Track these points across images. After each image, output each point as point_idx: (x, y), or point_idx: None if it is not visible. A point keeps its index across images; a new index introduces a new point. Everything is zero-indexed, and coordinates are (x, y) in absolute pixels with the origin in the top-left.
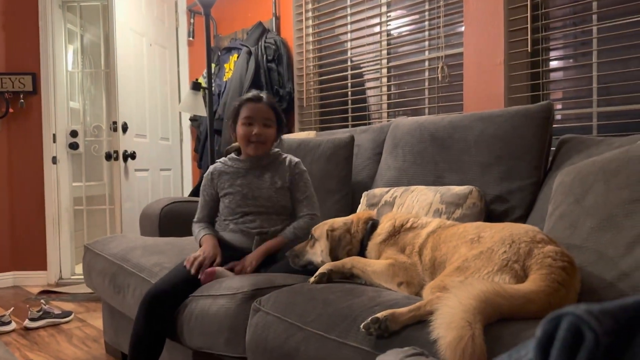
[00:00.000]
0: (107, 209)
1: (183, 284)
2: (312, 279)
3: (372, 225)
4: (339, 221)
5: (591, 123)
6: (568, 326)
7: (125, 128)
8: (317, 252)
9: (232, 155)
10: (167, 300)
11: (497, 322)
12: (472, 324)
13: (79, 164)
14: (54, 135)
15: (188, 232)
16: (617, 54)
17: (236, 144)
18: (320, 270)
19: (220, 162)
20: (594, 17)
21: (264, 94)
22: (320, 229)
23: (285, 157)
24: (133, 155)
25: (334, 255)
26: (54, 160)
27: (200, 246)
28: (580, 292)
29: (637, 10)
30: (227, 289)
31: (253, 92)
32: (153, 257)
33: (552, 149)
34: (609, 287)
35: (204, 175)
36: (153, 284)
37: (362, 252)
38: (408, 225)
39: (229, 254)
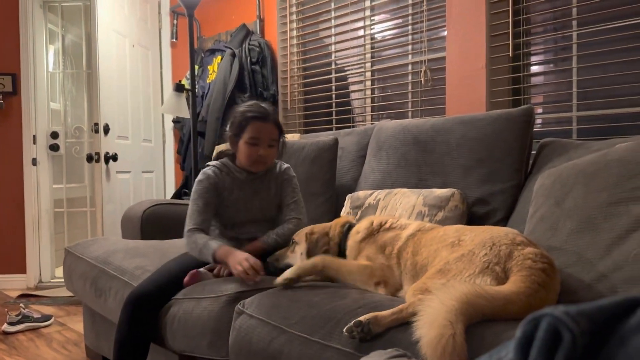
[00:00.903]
0: (88, 212)
1: (166, 286)
2: (278, 280)
3: (348, 227)
4: (319, 226)
5: (571, 127)
6: (547, 327)
7: (107, 130)
8: (297, 255)
9: (227, 161)
10: (151, 302)
11: (479, 323)
12: (453, 323)
13: (60, 165)
14: (34, 136)
15: (171, 235)
16: (597, 59)
17: (229, 149)
18: (286, 275)
19: (215, 166)
20: (574, 22)
21: (269, 108)
22: (301, 234)
23: (277, 163)
24: (115, 157)
25: (311, 252)
26: (34, 161)
27: (214, 259)
28: (559, 293)
29: (615, 17)
30: (211, 291)
31: (259, 107)
32: (135, 260)
33: (532, 152)
34: (588, 288)
35: (200, 179)
36: (136, 286)
37: (341, 255)
38: (387, 225)
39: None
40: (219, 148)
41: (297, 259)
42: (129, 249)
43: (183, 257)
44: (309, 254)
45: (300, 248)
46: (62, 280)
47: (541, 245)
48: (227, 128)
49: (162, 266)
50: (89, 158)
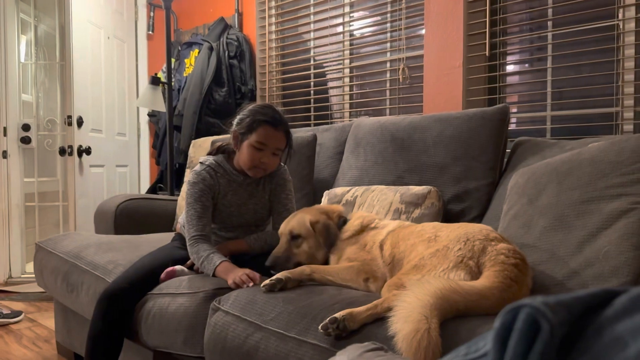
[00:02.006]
0: (61, 206)
1: (141, 282)
2: (266, 282)
3: (343, 222)
4: (314, 212)
5: (545, 126)
6: (525, 317)
7: (80, 122)
8: (305, 250)
9: (223, 160)
10: (125, 299)
11: (453, 318)
12: (428, 318)
13: (31, 158)
14: (5, 128)
15: (145, 230)
16: (571, 60)
17: (229, 144)
18: (277, 276)
19: (210, 167)
20: (550, 23)
21: (283, 115)
22: (301, 226)
23: None
24: (88, 151)
25: (329, 246)
26: (4, 154)
27: (215, 275)
28: (532, 289)
29: (590, 18)
30: (188, 287)
31: (273, 112)
32: (107, 255)
33: (507, 150)
34: (560, 285)
35: (194, 181)
36: (110, 282)
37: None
38: (372, 225)
39: None
40: (203, 141)
41: (304, 255)
42: (101, 243)
43: (158, 252)
44: (326, 242)
45: (309, 242)
46: (33, 275)
47: (515, 243)
48: (235, 123)
49: (137, 262)
50: (62, 151)
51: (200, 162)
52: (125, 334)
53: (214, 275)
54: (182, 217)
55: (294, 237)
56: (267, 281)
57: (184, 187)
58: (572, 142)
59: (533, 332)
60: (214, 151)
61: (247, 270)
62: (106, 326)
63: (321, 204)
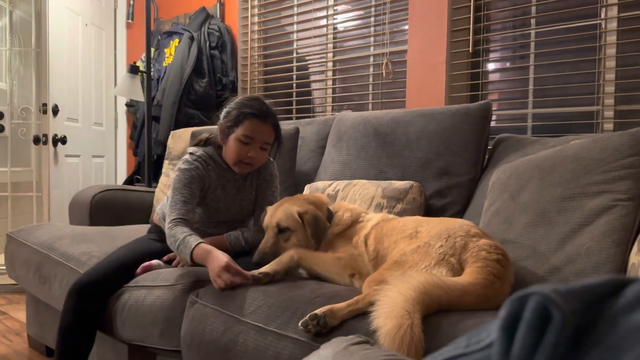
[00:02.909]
0: (34, 196)
1: (114, 275)
2: (253, 273)
3: (330, 215)
4: (301, 202)
5: (526, 124)
6: (535, 306)
7: (55, 111)
8: (294, 244)
9: (214, 153)
10: (98, 292)
11: (435, 313)
12: (411, 313)
13: (5, 147)
14: None
15: (121, 222)
16: (553, 58)
17: (217, 136)
18: (264, 269)
19: (202, 158)
20: (533, 21)
21: (271, 107)
22: (290, 220)
23: None
24: (64, 140)
25: (318, 239)
26: None
27: (192, 259)
28: (513, 285)
29: (573, 17)
30: (166, 279)
31: (260, 104)
32: (81, 246)
33: (489, 147)
34: (541, 281)
35: (185, 167)
36: (83, 273)
37: None
38: (359, 218)
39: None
40: (182, 132)
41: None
42: (75, 234)
43: (134, 245)
44: (315, 236)
45: (297, 235)
46: (4, 267)
47: (496, 239)
48: (221, 116)
49: (111, 254)
50: (36, 140)
51: (191, 153)
52: (98, 327)
53: (192, 260)
54: (160, 206)
55: (282, 230)
56: (254, 272)
57: (162, 179)
58: (554, 139)
59: (543, 322)
60: (202, 143)
61: (226, 263)
62: (77, 320)
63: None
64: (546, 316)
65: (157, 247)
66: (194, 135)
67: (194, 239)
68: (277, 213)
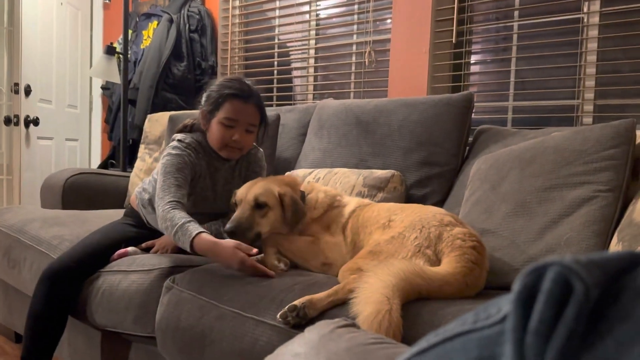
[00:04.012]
0: (5, 179)
1: (87, 261)
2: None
3: (302, 197)
4: (279, 182)
5: (506, 116)
6: (555, 277)
7: (28, 91)
8: (269, 222)
9: (203, 140)
10: (71, 278)
11: (415, 300)
12: (390, 299)
13: None
14: None
15: (94, 207)
16: (535, 50)
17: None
18: (283, 262)
19: (191, 145)
20: (516, 13)
21: (253, 87)
22: (270, 196)
23: (251, 149)
24: (36, 122)
25: (295, 223)
26: None
27: (192, 249)
28: (488, 271)
29: (556, 10)
30: (142, 265)
31: (241, 84)
32: (53, 229)
33: (469, 138)
34: (515, 272)
35: (176, 152)
36: (55, 258)
37: None
38: (335, 203)
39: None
40: (160, 116)
41: (267, 227)
42: (47, 218)
43: (110, 230)
44: (294, 219)
45: (275, 213)
46: None
47: (475, 228)
48: (202, 101)
49: (86, 238)
50: (7, 121)
51: (179, 140)
52: (69, 313)
53: (192, 250)
54: (138, 190)
55: (259, 205)
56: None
57: (138, 164)
58: (534, 131)
59: (564, 294)
60: (188, 129)
61: (235, 245)
62: (48, 306)
63: None
64: (567, 288)
65: (133, 232)
66: (171, 119)
67: (193, 227)
68: (254, 188)
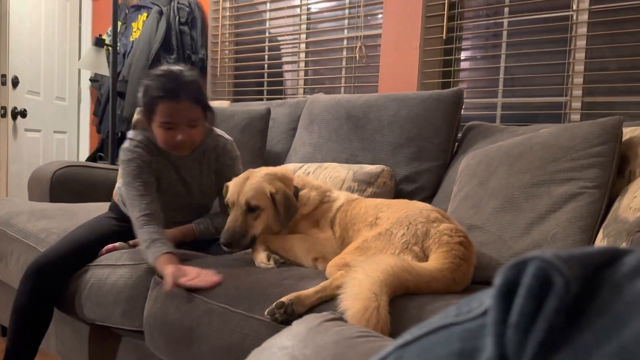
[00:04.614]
0: None
1: (73, 257)
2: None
3: (296, 193)
4: (268, 178)
5: (495, 112)
6: (535, 271)
7: (15, 82)
8: (263, 223)
9: (150, 137)
10: (56, 273)
11: (402, 295)
12: (378, 295)
13: None
14: None
15: (83, 200)
16: (524, 47)
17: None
18: (270, 264)
19: (143, 144)
20: (506, 10)
21: (183, 78)
22: (261, 198)
23: (218, 137)
24: (24, 114)
25: (289, 220)
26: None
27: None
28: (475, 266)
29: (546, 7)
30: (130, 259)
31: (168, 81)
32: (40, 223)
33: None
34: (500, 267)
35: (128, 158)
36: (41, 253)
37: None
38: (325, 199)
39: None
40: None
41: (262, 227)
42: (34, 210)
43: (95, 224)
44: (287, 215)
45: (267, 214)
46: None
47: (463, 224)
48: (138, 105)
49: (71, 233)
50: None
51: (130, 139)
52: (57, 306)
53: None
54: (117, 184)
55: (252, 209)
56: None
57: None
58: (522, 127)
59: (544, 288)
60: (142, 126)
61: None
62: (33, 301)
63: None
64: (547, 282)
65: (118, 226)
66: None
67: (159, 247)
68: (245, 189)
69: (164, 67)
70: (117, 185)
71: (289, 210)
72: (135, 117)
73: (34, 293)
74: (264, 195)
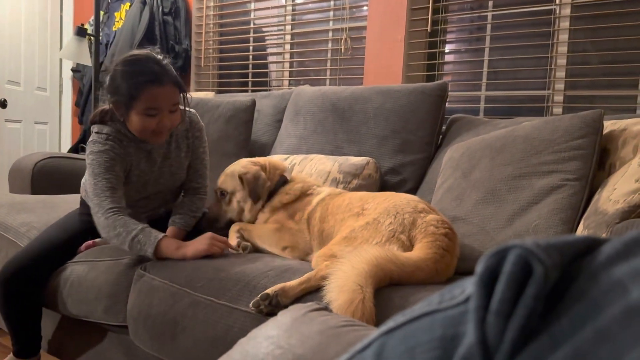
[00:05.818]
0: None
1: (45, 259)
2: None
3: (282, 182)
4: (244, 163)
5: (478, 105)
6: (515, 259)
7: None
8: (235, 206)
9: (123, 128)
10: (27, 278)
11: (387, 286)
12: (363, 287)
13: None
14: None
15: (65, 191)
16: (508, 41)
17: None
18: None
19: (112, 135)
20: (490, 3)
21: (164, 61)
22: (230, 179)
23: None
24: (4, 104)
25: (256, 196)
26: None
27: (156, 255)
28: (459, 258)
29: (529, 1)
30: (111, 254)
31: (153, 65)
32: (20, 216)
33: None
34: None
35: (99, 149)
36: (10, 258)
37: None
38: (309, 191)
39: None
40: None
41: (235, 211)
42: (14, 203)
43: (65, 221)
44: (252, 194)
45: (238, 196)
46: None
47: (447, 215)
48: (109, 93)
49: (42, 234)
50: None
51: (97, 132)
52: (41, 304)
53: (156, 257)
54: (83, 179)
55: (222, 194)
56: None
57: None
58: (505, 120)
59: (524, 276)
60: (108, 117)
61: (209, 235)
62: (13, 306)
63: None
64: (527, 270)
65: (90, 223)
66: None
67: (155, 231)
68: (221, 176)
69: (135, 52)
70: (83, 180)
71: (255, 187)
72: (100, 109)
73: (10, 300)
74: (233, 179)
